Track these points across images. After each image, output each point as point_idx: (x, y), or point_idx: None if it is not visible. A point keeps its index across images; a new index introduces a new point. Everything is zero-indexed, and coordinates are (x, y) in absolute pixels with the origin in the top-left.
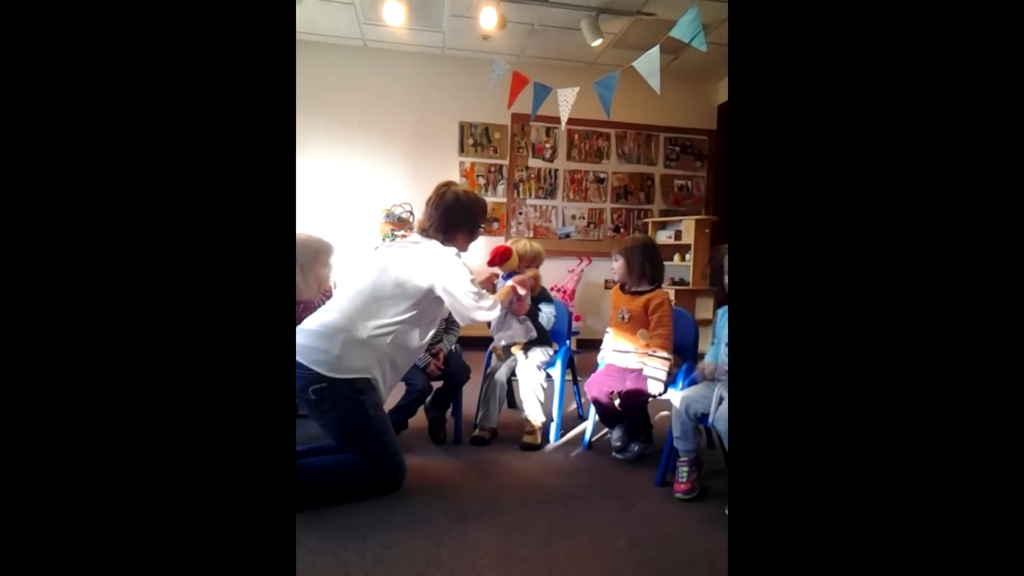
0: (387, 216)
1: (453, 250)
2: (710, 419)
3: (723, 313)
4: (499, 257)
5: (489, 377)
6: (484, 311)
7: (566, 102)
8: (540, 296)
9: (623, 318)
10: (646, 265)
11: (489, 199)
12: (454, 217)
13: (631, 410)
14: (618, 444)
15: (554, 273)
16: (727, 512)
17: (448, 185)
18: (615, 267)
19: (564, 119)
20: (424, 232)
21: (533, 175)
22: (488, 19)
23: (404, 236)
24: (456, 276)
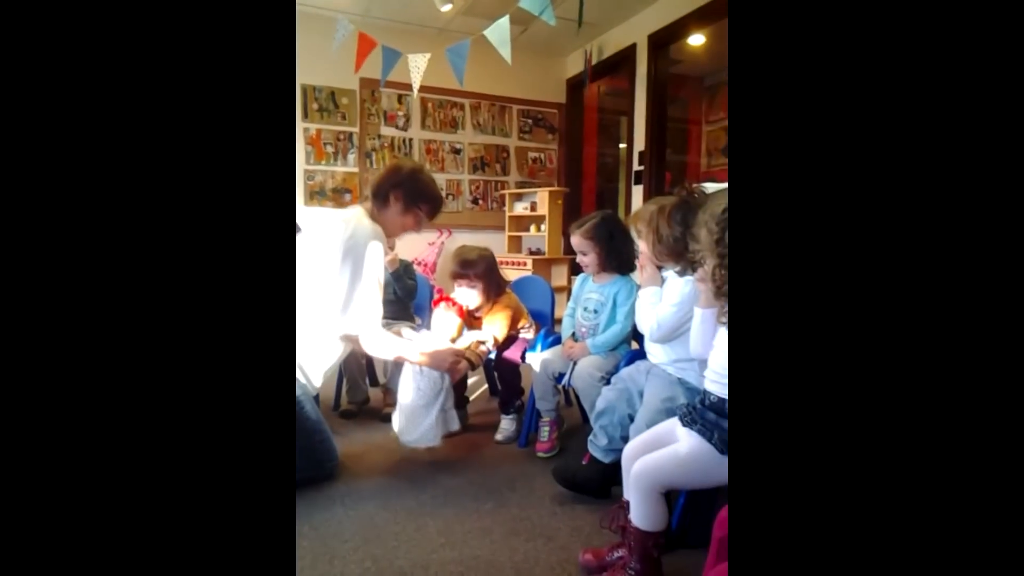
0: None
1: (377, 237)
2: (566, 378)
3: (582, 280)
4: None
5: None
6: (370, 333)
7: (417, 68)
8: (404, 271)
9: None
10: (493, 284)
11: (339, 169)
12: (396, 178)
13: (506, 374)
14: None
15: (415, 246)
16: (584, 462)
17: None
18: (472, 294)
19: (416, 86)
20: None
21: (387, 144)
22: None
23: None
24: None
